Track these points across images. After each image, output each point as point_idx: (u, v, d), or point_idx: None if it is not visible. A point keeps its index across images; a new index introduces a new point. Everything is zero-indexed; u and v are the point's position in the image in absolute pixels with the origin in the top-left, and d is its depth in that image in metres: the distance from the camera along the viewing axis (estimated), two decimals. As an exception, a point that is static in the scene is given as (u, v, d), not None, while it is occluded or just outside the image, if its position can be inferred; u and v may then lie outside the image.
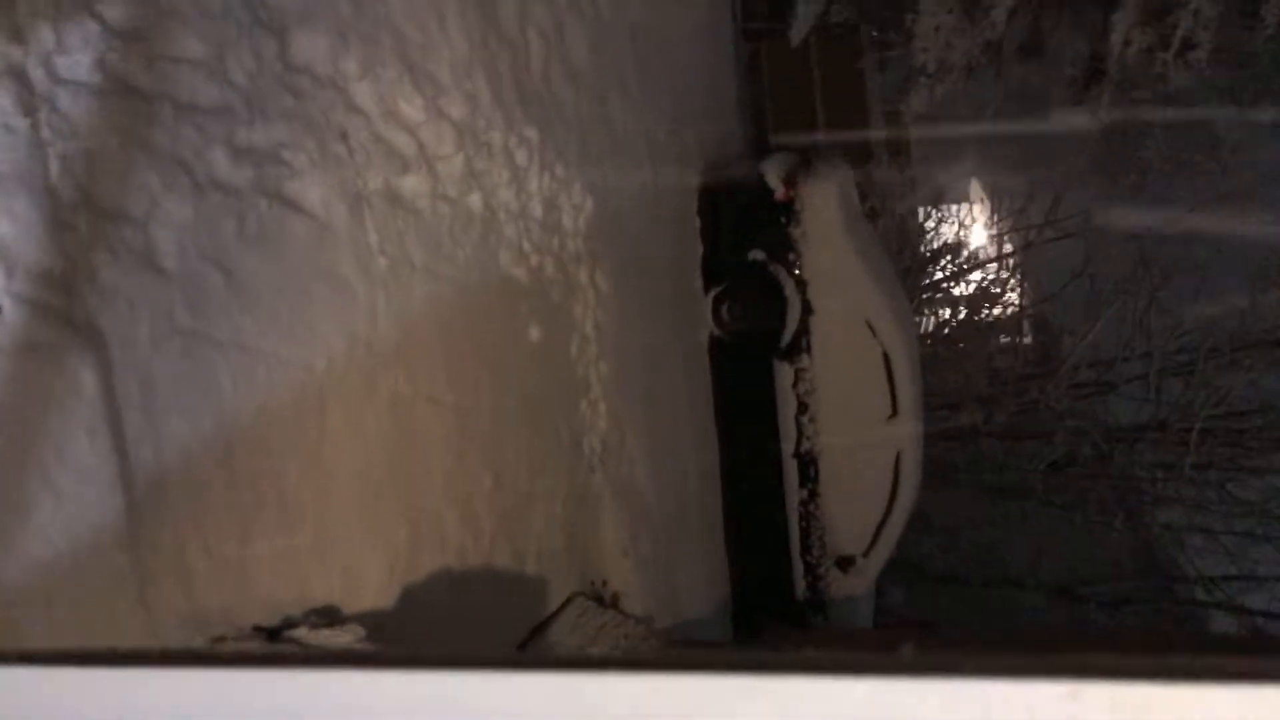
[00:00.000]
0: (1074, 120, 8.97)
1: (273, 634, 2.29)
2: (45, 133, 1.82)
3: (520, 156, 3.69)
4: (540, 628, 3.69)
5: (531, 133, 3.78)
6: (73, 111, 1.87)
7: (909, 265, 9.39)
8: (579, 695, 0.63)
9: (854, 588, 6.48)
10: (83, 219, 1.90)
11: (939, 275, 10.05)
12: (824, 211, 5.98)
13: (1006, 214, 10.04)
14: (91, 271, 1.92)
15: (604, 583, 4.39)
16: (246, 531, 2.27)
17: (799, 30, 7.92)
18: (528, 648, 3.52)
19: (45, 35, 1.82)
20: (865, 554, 6.38)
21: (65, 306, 1.86)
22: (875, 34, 8.34)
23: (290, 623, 2.36)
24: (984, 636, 5.56)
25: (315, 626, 2.35)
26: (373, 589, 2.73)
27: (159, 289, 2.07)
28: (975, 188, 11.50)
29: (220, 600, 2.18)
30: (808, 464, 6.21)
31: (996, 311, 9.80)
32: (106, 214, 1.96)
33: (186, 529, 2.10)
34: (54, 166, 1.83)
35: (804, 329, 6.05)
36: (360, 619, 2.55)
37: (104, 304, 1.95)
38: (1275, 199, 9.35)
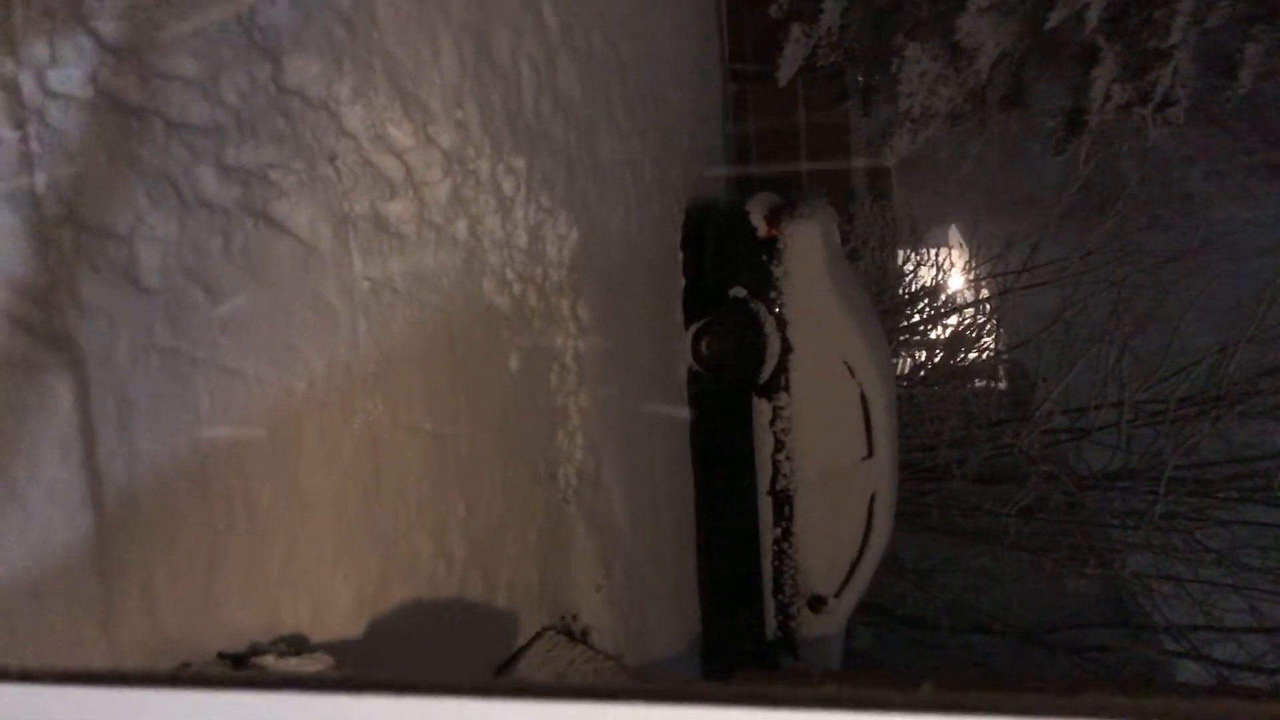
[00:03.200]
0: (1054, 170, 9.13)
1: (238, 661, 2.25)
2: (34, 145, 1.80)
3: (507, 185, 3.70)
4: (510, 661, 3.65)
5: (519, 162, 3.79)
6: (62, 125, 1.86)
7: (888, 307, 9.48)
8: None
9: (825, 628, 6.46)
10: (67, 233, 1.88)
11: (917, 318, 10.14)
12: (806, 251, 6.04)
13: (985, 260, 10.16)
14: (73, 286, 1.90)
15: (575, 617, 4.35)
16: (215, 555, 2.23)
17: (786, 72, 8.02)
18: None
19: (38, 48, 1.81)
20: (837, 594, 6.37)
21: (44, 321, 1.84)
22: (861, 78, 8.46)
23: (256, 650, 2.32)
24: (953, 681, 5.55)
25: (282, 655, 2.30)
26: (342, 617, 2.69)
27: (140, 306, 2.05)
28: (955, 233, 11.65)
29: (186, 625, 2.14)
30: (782, 502, 6.21)
31: (972, 356, 9.89)
32: (91, 229, 1.94)
33: (155, 551, 2.06)
34: (40, 180, 1.81)
35: (783, 367, 6.08)
36: (328, 647, 2.51)
37: (83, 319, 1.92)
38: (1246, 253, 9.54)
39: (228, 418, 2.28)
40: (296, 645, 2.45)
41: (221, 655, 2.22)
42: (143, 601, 2.02)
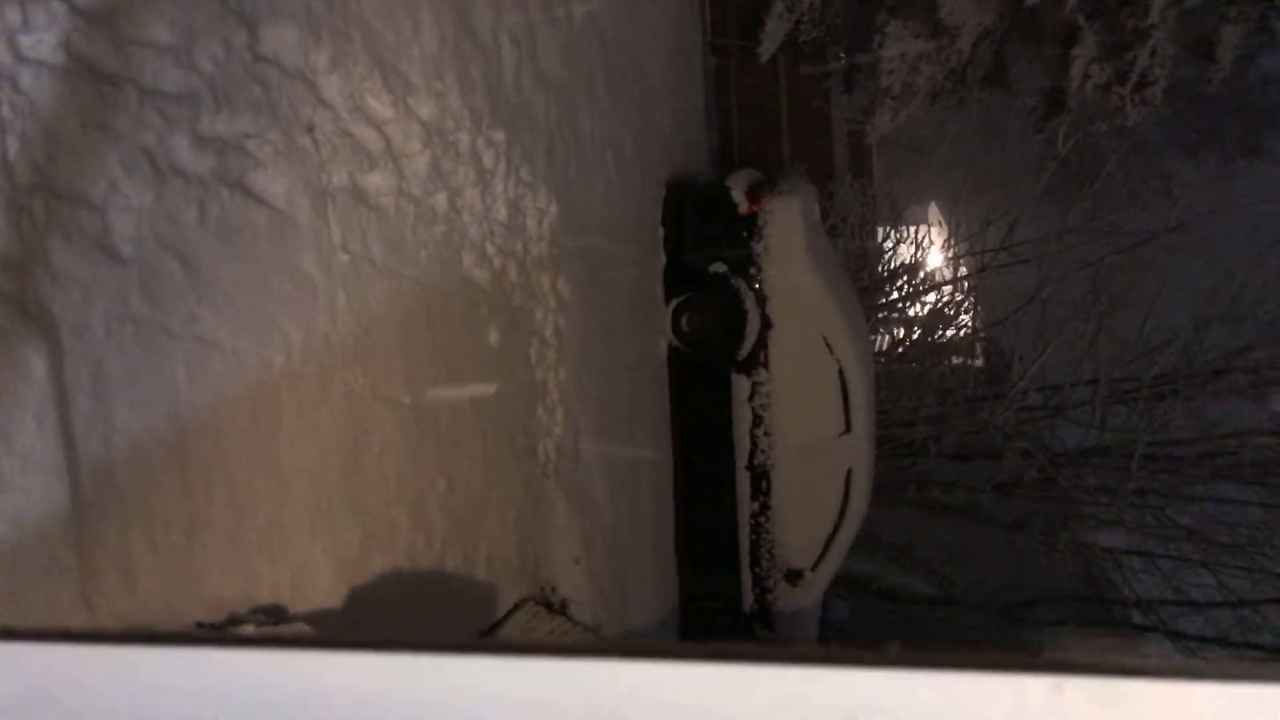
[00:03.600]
0: (1033, 149, 9.17)
1: (217, 631, 2.25)
2: (5, 111, 1.78)
3: (487, 158, 3.68)
4: (489, 631, 3.67)
5: (499, 135, 3.77)
6: (34, 91, 1.84)
7: (866, 284, 9.51)
8: (541, 680, 0.63)
9: (801, 601, 6.53)
10: (39, 202, 1.86)
11: (895, 295, 10.19)
12: (786, 228, 6.05)
13: (963, 238, 10.21)
14: (46, 255, 1.88)
15: (554, 588, 4.38)
16: (194, 526, 2.24)
17: (767, 47, 7.99)
18: (475, 652, 3.50)
19: (10, 12, 1.79)
20: (813, 568, 6.44)
21: (17, 290, 1.82)
22: (842, 55, 8.44)
23: (235, 620, 2.33)
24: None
25: (261, 625, 2.31)
26: (321, 588, 2.70)
27: (115, 276, 2.04)
28: (934, 211, 11.69)
29: (164, 596, 2.14)
30: (760, 477, 6.25)
31: (950, 333, 9.95)
32: (64, 197, 1.93)
33: (133, 521, 2.06)
34: (12, 146, 1.79)
35: (762, 343, 6.11)
36: (308, 618, 2.52)
37: (57, 289, 1.91)
38: (1221, 234, 9.63)
39: (205, 389, 2.27)
40: (275, 616, 2.46)
41: (200, 625, 2.23)
42: (120, 571, 2.02)
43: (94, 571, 1.95)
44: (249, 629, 2.25)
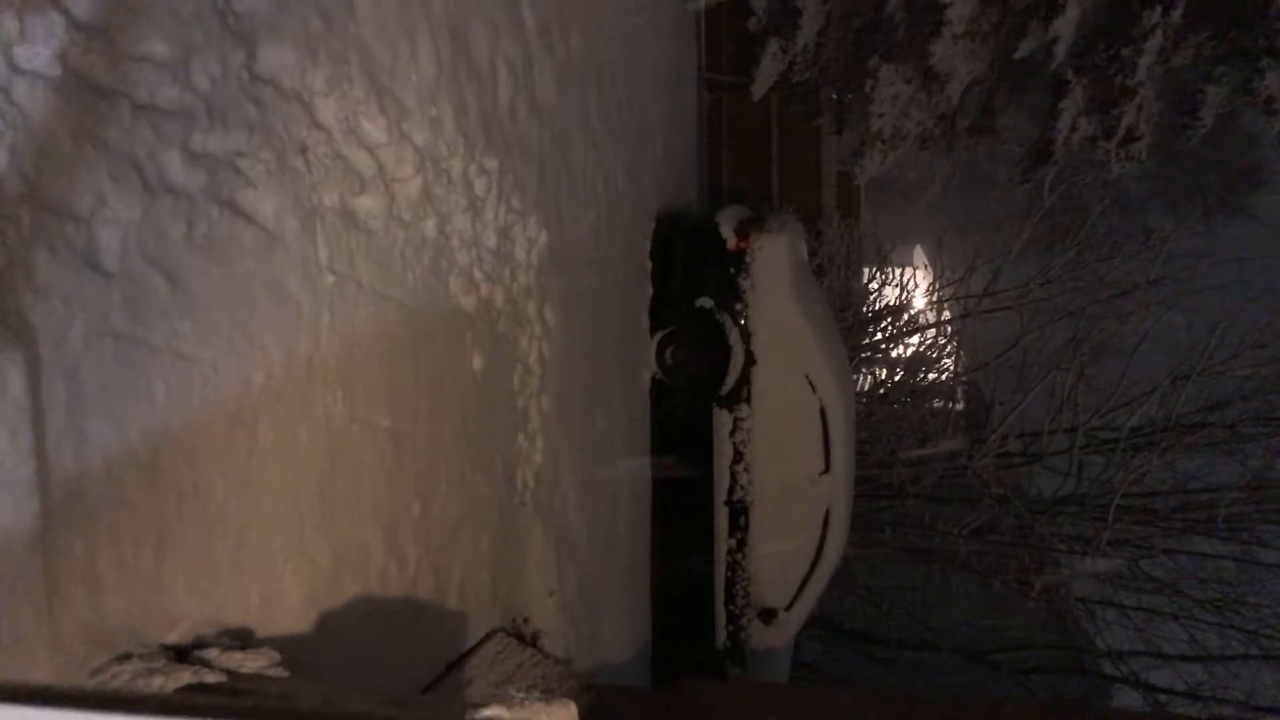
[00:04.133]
0: (1019, 197, 9.28)
1: (182, 654, 2.21)
2: (-4, 122, 1.77)
3: (479, 186, 3.69)
4: (457, 663, 3.63)
5: (492, 163, 3.78)
6: (28, 103, 1.83)
7: (851, 324, 9.56)
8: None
9: (774, 640, 6.50)
10: (26, 212, 1.85)
11: (879, 336, 10.24)
12: (773, 265, 6.08)
13: (947, 282, 10.29)
14: (29, 267, 1.86)
15: (526, 620, 4.33)
16: (164, 545, 2.20)
17: (761, 86, 8.07)
18: (443, 682, 3.45)
19: (7, 23, 1.78)
20: (788, 607, 6.41)
21: (-2, 300, 1.80)
22: (834, 96, 8.54)
23: (201, 643, 2.28)
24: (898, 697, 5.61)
25: (227, 649, 2.27)
26: (290, 613, 2.66)
27: (97, 289, 2.02)
28: (919, 254, 11.79)
29: (130, 615, 2.10)
30: (738, 513, 6.24)
31: (931, 376, 10.00)
32: (51, 208, 1.91)
33: (101, 539, 2.03)
34: (2, 157, 1.78)
35: (745, 379, 6.12)
36: (275, 642, 2.48)
37: (38, 300, 1.89)
38: (1200, 288, 9.74)
39: (183, 406, 2.24)
40: (242, 639, 2.42)
41: (165, 647, 2.19)
42: (86, 590, 1.98)
43: (60, 589, 1.91)
44: (214, 653, 2.21)
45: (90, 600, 1.99)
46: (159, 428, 2.18)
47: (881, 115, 7.55)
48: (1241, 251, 10.19)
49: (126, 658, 2.04)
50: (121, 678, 1.97)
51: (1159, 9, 6.35)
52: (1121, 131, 6.97)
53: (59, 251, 1.94)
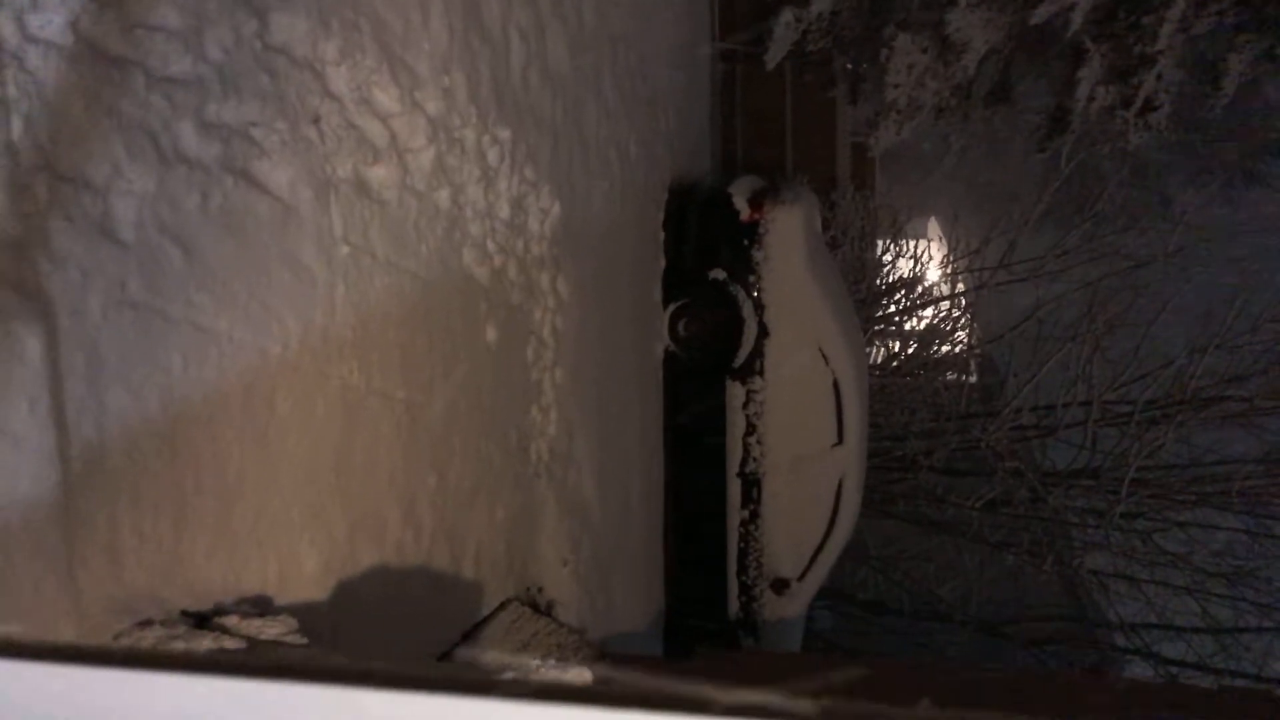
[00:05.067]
0: (1035, 168, 9.19)
1: (202, 620, 2.24)
2: (11, 90, 1.76)
3: (492, 156, 3.68)
4: (472, 632, 3.66)
5: (505, 133, 3.76)
6: (41, 71, 1.82)
7: (864, 296, 9.51)
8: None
9: (787, 611, 6.53)
10: (42, 182, 1.85)
11: (892, 309, 10.19)
12: (787, 237, 6.05)
13: (962, 254, 10.22)
14: (45, 236, 1.87)
15: (540, 590, 4.37)
16: (183, 514, 2.22)
17: (775, 55, 7.98)
18: (458, 650, 3.49)
19: (20, -9, 1.78)
20: (800, 578, 6.44)
21: (15, 270, 1.81)
22: (849, 66, 8.45)
23: (220, 610, 2.31)
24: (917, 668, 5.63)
25: (246, 615, 2.30)
26: (308, 581, 2.68)
27: (114, 259, 2.02)
28: (934, 226, 11.70)
29: (150, 583, 2.13)
30: (751, 485, 6.25)
31: (945, 349, 9.96)
32: (66, 179, 1.91)
33: (122, 508, 2.05)
34: (17, 126, 1.78)
35: (758, 351, 6.10)
36: (293, 610, 2.51)
37: (55, 271, 1.90)
38: (1218, 260, 9.66)
39: (200, 377, 2.26)
40: (261, 607, 2.45)
41: (185, 614, 2.22)
42: (107, 557, 2.01)
43: (81, 557, 1.93)
44: (233, 620, 2.24)
45: (111, 568, 2.02)
46: (177, 398, 2.19)
47: (897, 85, 7.47)
48: (1261, 222, 10.08)
49: (148, 623, 2.07)
50: (144, 643, 2.00)
51: (1181, -25, 6.25)
52: (1140, 101, 6.88)
53: (76, 221, 1.94)
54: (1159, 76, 6.77)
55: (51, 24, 1.85)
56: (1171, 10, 6.31)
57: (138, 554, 2.08)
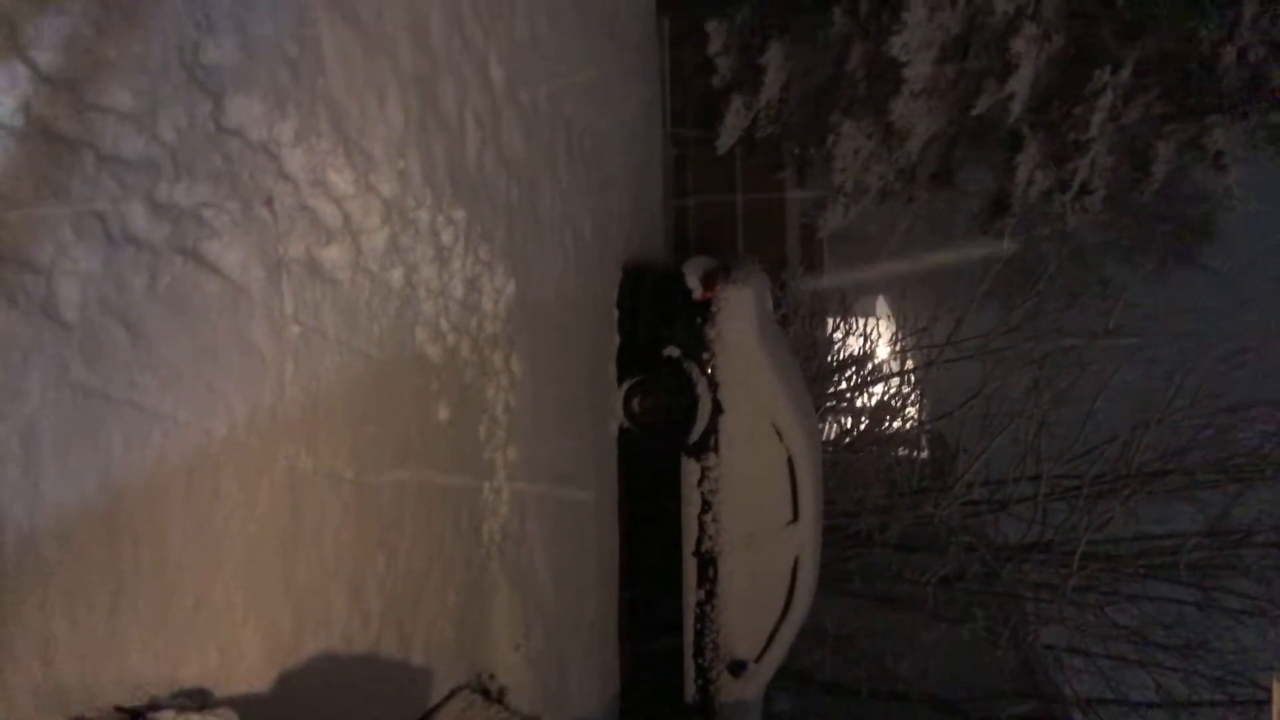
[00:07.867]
0: (978, 249, 9.46)
1: (135, 716, 2.15)
2: (-44, 172, 1.75)
3: (446, 236, 3.70)
4: (422, 720, 3.55)
5: (459, 214, 3.80)
6: (-11, 153, 1.81)
7: (816, 373, 9.62)
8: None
9: (744, 693, 6.43)
10: (-16, 263, 1.82)
11: (844, 385, 10.31)
12: (739, 315, 6.13)
13: (910, 332, 10.40)
14: (-14, 317, 1.83)
15: (492, 675, 4.26)
16: (118, 601, 2.14)
17: (726, 140, 8.21)
18: (407, 741, 3.37)
19: (-30, 74, 1.77)
20: (757, 659, 6.36)
21: (-48, 352, 1.77)
22: (797, 151, 8.70)
23: (155, 705, 2.22)
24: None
25: (183, 710, 2.20)
26: (250, 671, 2.59)
27: (56, 340, 1.99)
28: (882, 304, 11.93)
29: (83, 675, 2.04)
30: (707, 564, 6.20)
31: (897, 425, 10.06)
32: (9, 259, 1.89)
33: (54, 595, 1.97)
34: (-39, 206, 1.76)
35: (713, 428, 6.13)
36: (233, 702, 2.41)
37: (-5, 352, 1.86)
38: (1157, 338, 9.93)
39: (142, 459, 2.20)
40: (199, 700, 2.36)
41: (119, 709, 2.12)
42: (38, 650, 1.92)
43: (10, 649, 1.85)
44: (169, 715, 2.14)
45: (42, 660, 1.93)
46: (117, 481, 2.13)
47: (843, 169, 7.71)
48: (1194, 301, 10.43)
49: (79, 719, 1.97)
50: (72, 741, 1.91)
51: (1109, 68, 6.57)
52: (1076, 185, 7.16)
53: (17, 303, 1.91)
54: (1093, 162, 7.06)
55: (3, 106, 1.85)
56: (1102, 100, 6.62)
57: (69, 644, 2.00)
